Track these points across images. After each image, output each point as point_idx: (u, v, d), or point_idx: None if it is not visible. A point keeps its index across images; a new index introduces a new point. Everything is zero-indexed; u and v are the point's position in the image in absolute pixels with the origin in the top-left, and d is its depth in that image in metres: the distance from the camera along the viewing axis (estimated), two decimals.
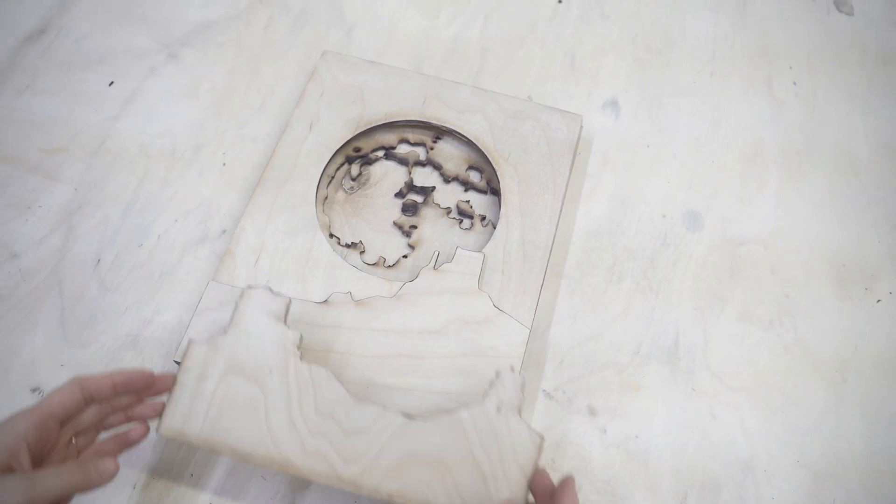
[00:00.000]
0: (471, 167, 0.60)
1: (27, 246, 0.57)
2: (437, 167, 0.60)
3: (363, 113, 0.59)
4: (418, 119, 0.59)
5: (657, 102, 0.67)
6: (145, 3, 0.70)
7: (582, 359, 0.54)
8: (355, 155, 0.60)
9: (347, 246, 0.56)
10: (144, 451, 0.49)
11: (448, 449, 0.43)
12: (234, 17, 0.70)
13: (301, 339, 0.46)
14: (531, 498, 0.43)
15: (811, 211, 0.62)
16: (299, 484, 0.49)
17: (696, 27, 0.72)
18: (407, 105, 0.60)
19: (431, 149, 0.61)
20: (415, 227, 0.57)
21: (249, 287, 0.47)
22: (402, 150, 0.61)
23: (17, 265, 0.56)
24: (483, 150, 0.58)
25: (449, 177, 0.60)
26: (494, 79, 0.67)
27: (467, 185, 0.59)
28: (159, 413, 0.44)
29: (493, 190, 0.59)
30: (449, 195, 0.59)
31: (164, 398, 0.45)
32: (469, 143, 0.59)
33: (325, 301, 0.51)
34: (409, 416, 0.44)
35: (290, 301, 0.47)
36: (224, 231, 0.58)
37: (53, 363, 0.52)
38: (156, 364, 0.52)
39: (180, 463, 0.49)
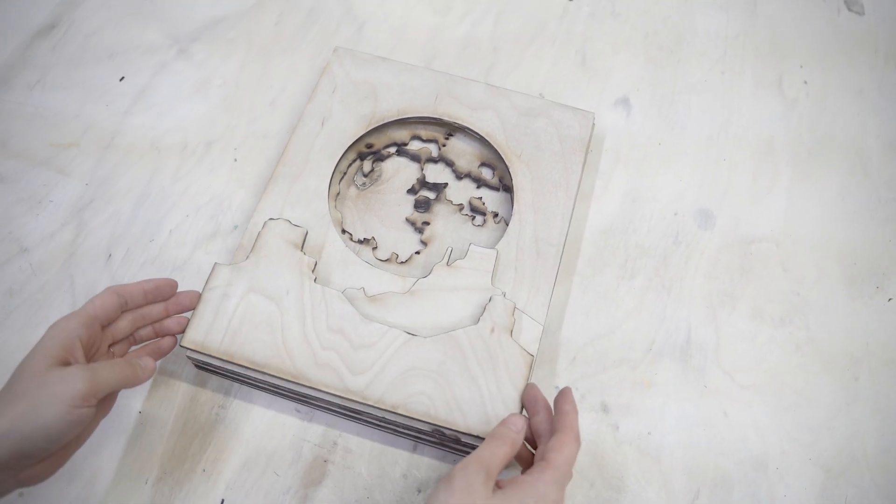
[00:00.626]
0: (483, 164, 0.60)
1: (38, 240, 0.57)
2: (450, 164, 0.60)
3: (375, 109, 0.59)
4: (431, 116, 0.59)
5: (668, 100, 0.67)
6: None
7: (594, 356, 0.54)
8: (367, 151, 0.60)
9: (360, 242, 0.56)
10: (157, 445, 0.49)
11: (447, 363, 0.47)
12: (243, 13, 0.70)
13: (315, 264, 0.50)
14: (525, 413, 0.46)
15: (822, 209, 0.62)
16: (312, 479, 0.49)
17: (707, 25, 0.72)
18: (419, 102, 0.60)
19: (444, 145, 0.61)
20: (427, 223, 0.57)
21: (270, 219, 0.52)
22: (415, 146, 0.61)
23: (29, 260, 0.56)
24: (495, 146, 0.58)
25: (461, 173, 0.60)
26: (506, 76, 0.67)
27: (479, 182, 0.59)
28: (184, 327, 0.48)
29: (505, 187, 0.59)
30: (461, 192, 0.59)
31: (188, 315, 0.48)
32: (481, 140, 0.59)
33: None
34: (411, 334, 0.48)
35: (307, 232, 0.52)
36: (236, 226, 0.58)
37: None
38: (167, 360, 0.52)
39: (193, 458, 0.49)
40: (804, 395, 0.54)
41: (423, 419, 0.46)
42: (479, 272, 0.52)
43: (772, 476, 0.51)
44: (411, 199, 0.59)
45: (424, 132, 0.61)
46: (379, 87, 0.60)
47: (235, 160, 0.61)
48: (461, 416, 0.46)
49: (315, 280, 0.50)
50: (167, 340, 0.49)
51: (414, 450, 0.50)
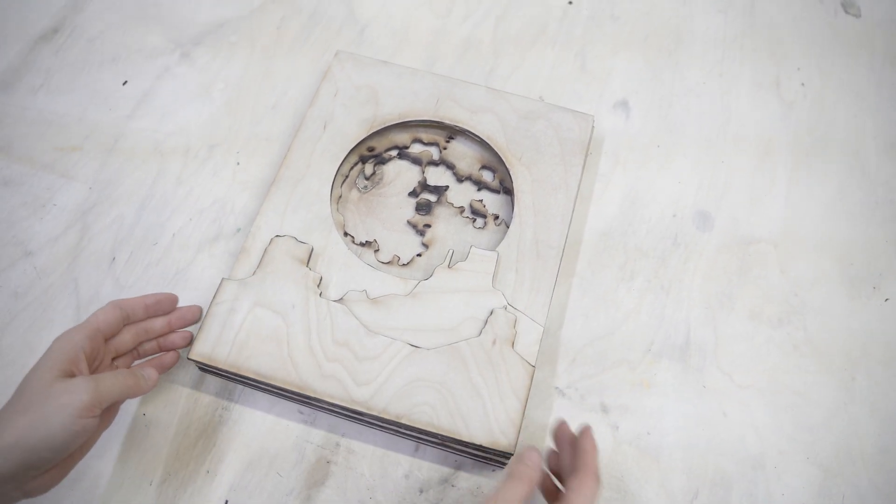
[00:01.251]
0: (484, 167, 0.60)
1: (42, 244, 0.57)
2: (451, 167, 0.60)
3: (377, 112, 0.60)
4: (431, 119, 0.60)
5: (667, 102, 0.67)
6: (158, 2, 0.71)
7: (594, 356, 0.55)
8: (369, 154, 0.60)
9: (362, 245, 0.57)
10: (161, 447, 0.50)
11: (450, 374, 0.48)
12: (246, 16, 0.70)
13: (321, 279, 0.51)
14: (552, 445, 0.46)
15: (820, 211, 0.63)
16: (315, 480, 0.49)
17: (706, 28, 0.72)
18: (420, 105, 0.60)
19: (444, 148, 0.61)
20: (428, 225, 0.58)
21: (277, 236, 0.53)
22: (416, 149, 0.61)
23: (33, 263, 0.56)
24: (496, 149, 0.58)
25: (462, 176, 0.60)
26: (506, 79, 0.68)
27: (480, 185, 0.60)
28: (189, 342, 0.50)
29: (505, 189, 0.59)
30: (462, 194, 0.60)
31: (192, 330, 0.50)
32: (482, 143, 0.60)
33: (341, 299, 0.51)
34: (415, 346, 0.49)
35: (312, 248, 0.52)
36: (239, 229, 0.59)
37: None
38: None
39: (196, 459, 0.50)
40: (802, 395, 0.54)
41: (427, 429, 0.46)
42: (480, 274, 0.52)
43: (770, 475, 0.51)
44: (413, 201, 0.59)
45: (425, 135, 0.61)
46: (380, 90, 0.61)
47: (238, 163, 0.62)
48: (464, 425, 0.46)
49: (321, 295, 0.51)
50: (170, 355, 0.50)
51: (416, 451, 0.51)
